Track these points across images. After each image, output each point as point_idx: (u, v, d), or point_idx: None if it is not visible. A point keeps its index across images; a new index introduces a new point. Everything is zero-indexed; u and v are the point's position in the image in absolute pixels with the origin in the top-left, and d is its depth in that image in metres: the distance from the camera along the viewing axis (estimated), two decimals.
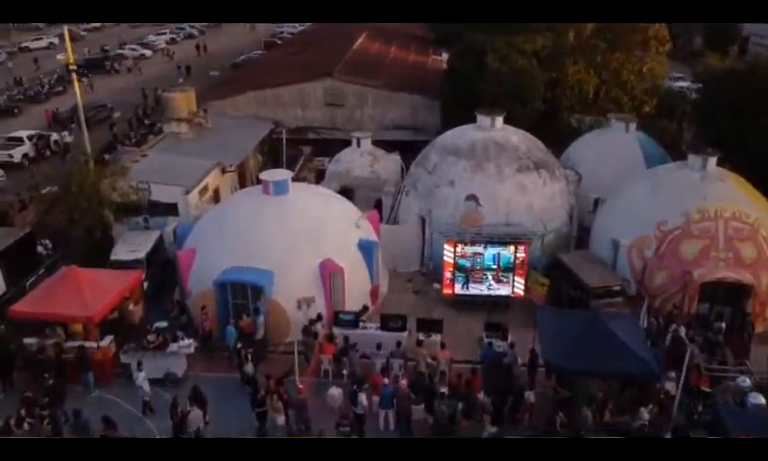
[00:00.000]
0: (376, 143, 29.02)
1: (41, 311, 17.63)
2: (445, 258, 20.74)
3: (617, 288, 19.75)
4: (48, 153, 37.83)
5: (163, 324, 19.27)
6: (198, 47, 76.57)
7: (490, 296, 20.97)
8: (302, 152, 32.77)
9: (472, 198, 22.38)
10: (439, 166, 23.56)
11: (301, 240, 20.02)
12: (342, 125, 33.21)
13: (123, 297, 19.18)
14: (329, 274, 19.56)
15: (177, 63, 62.95)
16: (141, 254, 21.78)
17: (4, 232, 22.22)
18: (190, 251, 20.73)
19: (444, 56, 42.18)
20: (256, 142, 31.24)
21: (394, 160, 28.59)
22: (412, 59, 42.95)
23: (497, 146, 23.27)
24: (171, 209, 23.93)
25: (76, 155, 36.50)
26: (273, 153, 32.27)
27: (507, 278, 20.65)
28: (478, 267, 20.67)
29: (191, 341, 18.02)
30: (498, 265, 20.59)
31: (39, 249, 23.81)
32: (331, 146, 31.64)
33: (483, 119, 24.22)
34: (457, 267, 20.75)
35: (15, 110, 47.81)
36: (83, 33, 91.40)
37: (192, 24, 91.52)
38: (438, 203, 22.89)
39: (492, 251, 20.48)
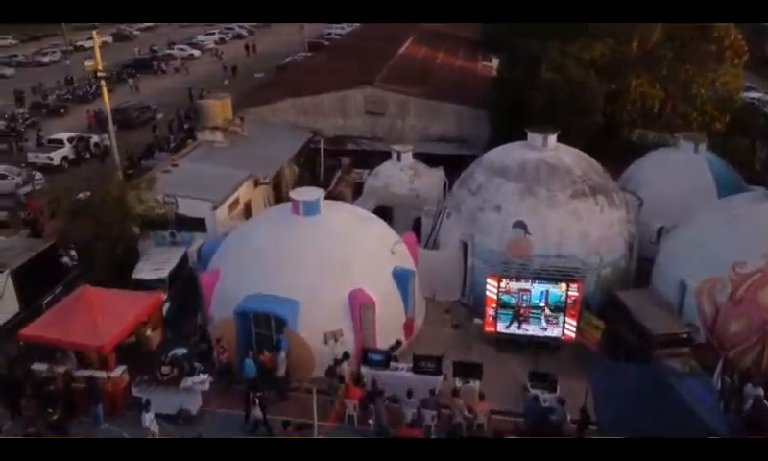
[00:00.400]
0: (418, 156, 27.20)
1: (50, 337, 16.58)
2: (488, 294, 18.75)
3: (684, 336, 17.39)
4: (88, 156, 37.50)
5: (182, 351, 18.07)
6: (247, 47, 76.38)
7: (537, 337, 18.89)
8: (341, 163, 31.23)
9: (520, 225, 20.31)
10: (484, 187, 21.56)
11: (331, 267, 18.44)
12: (383, 135, 31.53)
13: (140, 322, 18.01)
14: (360, 306, 17.90)
15: (223, 64, 62.56)
16: (164, 274, 20.63)
17: (24, 246, 21.44)
18: (213, 272, 19.45)
19: (495, 62, 39.96)
20: (293, 152, 29.88)
21: (436, 176, 26.73)
22: (460, 65, 40.81)
23: (549, 168, 21.11)
24: (198, 225, 22.75)
25: (109, 162, 36.33)
26: (310, 164, 30.87)
27: (556, 318, 18.51)
28: (524, 305, 18.61)
29: (206, 377, 16.62)
30: (547, 303, 18.48)
31: (65, 260, 23.05)
32: (371, 157, 30.01)
33: (534, 137, 22.09)
34: (501, 304, 18.74)
35: (62, 111, 48.06)
36: (135, 32, 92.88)
37: (241, 24, 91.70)
38: (482, 228, 20.91)
39: (540, 288, 18.39)
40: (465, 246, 21.36)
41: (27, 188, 31.81)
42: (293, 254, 18.62)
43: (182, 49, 72.09)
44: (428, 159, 27.97)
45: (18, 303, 18.98)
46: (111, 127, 23.37)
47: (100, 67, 21.49)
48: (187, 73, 61.35)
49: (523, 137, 22.69)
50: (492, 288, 18.65)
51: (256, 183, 26.07)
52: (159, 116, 44.48)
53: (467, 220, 21.58)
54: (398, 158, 26.46)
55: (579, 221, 20.22)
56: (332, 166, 31.04)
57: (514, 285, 18.55)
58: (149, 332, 18.56)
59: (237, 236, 20.32)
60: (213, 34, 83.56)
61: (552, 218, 20.25)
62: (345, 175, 29.41)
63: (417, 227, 24.31)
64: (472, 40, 48.93)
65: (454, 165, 28.06)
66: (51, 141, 36.75)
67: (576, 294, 18.20)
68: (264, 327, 18.02)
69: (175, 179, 24.05)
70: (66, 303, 17.58)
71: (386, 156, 27.25)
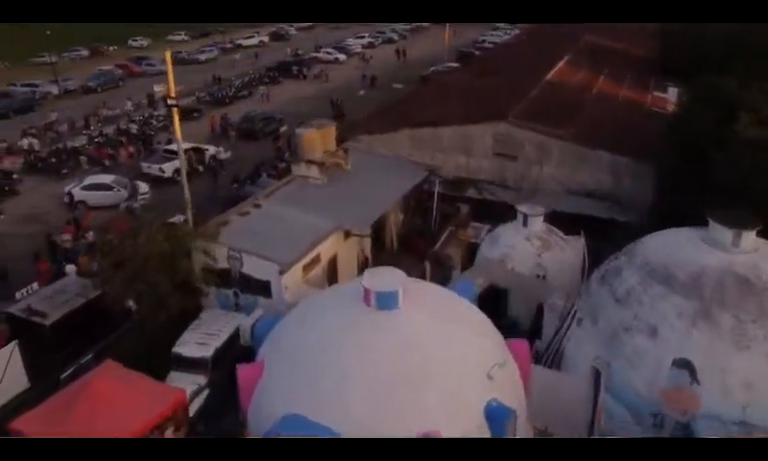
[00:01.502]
0: (554, 217, 21.18)
1: (39, 435, 13.34)
2: None
3: None
4: (201, 169, 35.84)
5: None
6: (398, 52, 73.47)
7: None
8: (459, 211, 25.92)
9: (685, 366, 13.75)
10: (635, 295, 15.16)
11: (400, 389, 13.36)
12: (513, 183, 25.70)
13: (155, 425, 14.34)
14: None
15: (362, 73, 59.60)
16: (208, 352, 16.99)
17: (74, 290, 18.82)
18: (256, 366, 15.28)
19: (672, 92, 32.00)
20: (402, 194, 25.08)
21: (573, 251, 20.57)
22: (623, 95, 33.14)
23: (740, 282, 14.20)
24: (263, 289, 18.88)
25: (222, 177, 34.19)
26: (421, 209, 25.88)
27: None
28: None
29: None
30: None
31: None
32: (494, 210, 24.47)
33: (719, 229, 15.18)
34: None
35: (195, 114, 47.69)
36: (292, 31, 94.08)
37: (393, 28, 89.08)
38: (626, 356, 14.61)
39: None
40: (597, 374, 15.17)
41: (129, 203, 30.51)
42: (351, 365, 13.83)
43: (328, 53, 70.61)
44: (567, 221, 21.89)
45: (29, 377, 16.18)
46: (183, 160, 20.15)
47: (172, 93, 18.28)
48: (326, 80, 59.29)
49: (703, 219, 15.87)
50: None
51: (347, 234, 21.71)
52: (283, 129, 42.09)
53: (605, 337, 15.35)
54: (524, 222, 20.67)
55: None
56: (448, 214, 25.79)
57: None
58: (170, 433, 14.89)
59: (291, 321, 15.96)
60: (363, 37, 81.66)
61: (738, 362, 13.44)
62: (458, 230, 24.05)
63: (537, 317, 18.55)
64: (645, 60, 40.59)
65: (600, 233, 21.73)
66: (167, 152, 35.47)
67: None
68: None
69: (247, 226, 20.39)
70: (70, 391, 14.34)
71: (512, 211, 21.60)
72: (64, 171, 35.52)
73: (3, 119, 49.23)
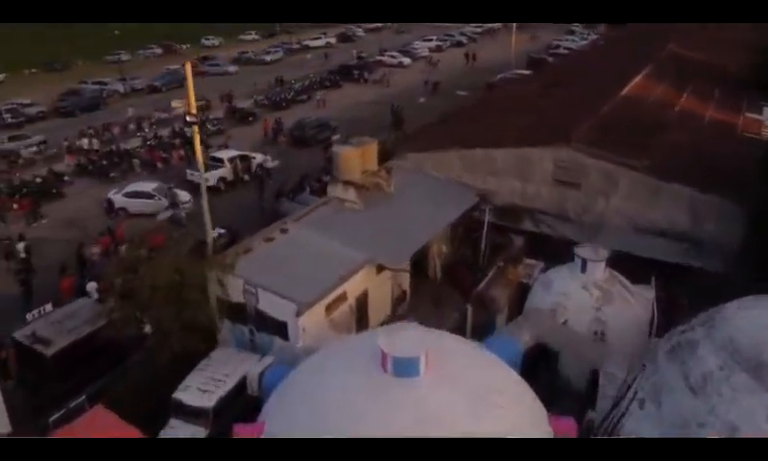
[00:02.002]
0: (618, 261, 18.26)
1: None
2: None
3: None
4: (247, 177, 34.62)
5: None
6: (467, 56, 70.73)
7: None
8: (511, 243, 23.26)
9: None
10: (714, 383, 12.19)
11: None
12: (574, 216, 22.73)
13: None
14: None
15: (425, 79, 57.21)
16: (211, 401, 15.27)
17: (86, 316, 17.62)
18: (255, 426, 13.40)
19: None
20: (448, 222, 22.74)
21: (641, 304, 17.61)
22: (711, 116, 29.19)
23: None
24: (280, 329, 17.03)
25: (268, 188, 32.71)
26: (468, 239, 23.40)
27: None
28: None
29: None
30: None
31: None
32: (551, 245, 21.69)
33: None
34: None
35: (251, 118, 46.84)
36: (360, 33, 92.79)
37: (462, 31, 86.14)
38: None
39: None
40: None
41: (175, 212, 29.52)
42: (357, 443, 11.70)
43: (392, 56, 68.65)
44: (634, 265, 18.92)
45: (10, 421, 14.89)
46: (203, 187, 18.51)
47: (193, 110, 16.68)
48: (387, 85, 57.32)
49: None
50: None
51: (380, 269, 19.58)
52: (335, 138, 40.38)
53: (672, 426, 12.45)
54: (583, 267, 17.85)
55: None
56: (498, 246, 23.18)
57: None
58: None
59: (299, 379, 13.96)
60: (431, 40, 79.23)
61: None
62: (507, 267, 21.40)
63: (592, 382, 15.81)
64: (737, 76, 36.12)
65: (675, 282, 18.67)
66: (213, 159, 34.45)
67: None
68: None
69: (270, 255, 18.59)
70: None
71: (572, 249, 18.78)
72: (112, 174, 35.14)
73: (69, 117, 50.20)
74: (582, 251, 18.04)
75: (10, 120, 46.97)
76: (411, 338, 13.22)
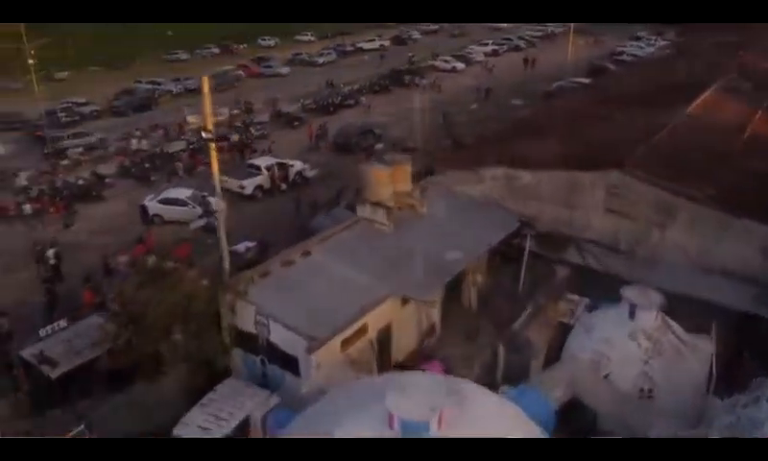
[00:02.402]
0: (673, 304, 16.18)
1: None
2: None
3: None
4: (284, 186, 33.74)
5: None
6: (525, 61, 68.13)
7: None
8: (554, 275, 21.32)
9: None
10: None
11: None
12: (625, 248, 20.59)
13: None
14: None
15: (477, 85, 55.13)
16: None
17: (96, 336, 16.87)
18: None
19: None
20: (485, 248, 21.02)
21: (697, 358, 15.50)
22: None
23: None
24: (290, 364, 15.83)
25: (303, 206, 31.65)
26: (508, 268, 21.62)
27: None
28: None
29: None
30: None
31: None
32: (598, 280, 19.70)
33: None
34: None
35: (296, 123, 46.11)
36: (416, 35, 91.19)
37: (520, 34, 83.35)
38: None
39: None
40: None
41: (202, 221, 28.90)
42: None
43: (446, 61, 66.76)
44: (692, 309, 16.80)
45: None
46: (220, 198, 17.48)
47: (209, 126, 15.68)
48: (438, 91, 55.48)
49: None
50: None
51: (404, 301, 18.12)
52: (379, 146, 39.07)
53: None
54: (632, 313, 15.85)
55: None
56: (540, 277, 21.29)
57: None
58: None
59: (302, 429, 12.68)
60: (487, 44, 76.88)
61: None
62: (548, 304, 19.49)
63: None
64: None
65: (739, 332, 16.46)
66: (251, 167, 33.77)
67: None
68: None
69: (286, 281, 17.41)
70: None
71: (620, 289, 16.79)
72: (154, 178, 34.97)
73: (121, 117, 50.84)
74: (631, 293, 16.04)
75: (64, 119, 47.84)
76: (423, 394, 11.71)
